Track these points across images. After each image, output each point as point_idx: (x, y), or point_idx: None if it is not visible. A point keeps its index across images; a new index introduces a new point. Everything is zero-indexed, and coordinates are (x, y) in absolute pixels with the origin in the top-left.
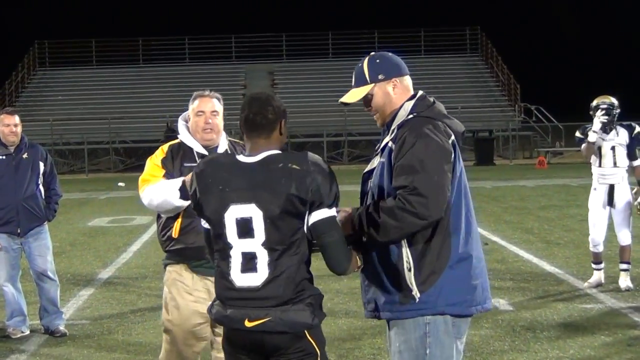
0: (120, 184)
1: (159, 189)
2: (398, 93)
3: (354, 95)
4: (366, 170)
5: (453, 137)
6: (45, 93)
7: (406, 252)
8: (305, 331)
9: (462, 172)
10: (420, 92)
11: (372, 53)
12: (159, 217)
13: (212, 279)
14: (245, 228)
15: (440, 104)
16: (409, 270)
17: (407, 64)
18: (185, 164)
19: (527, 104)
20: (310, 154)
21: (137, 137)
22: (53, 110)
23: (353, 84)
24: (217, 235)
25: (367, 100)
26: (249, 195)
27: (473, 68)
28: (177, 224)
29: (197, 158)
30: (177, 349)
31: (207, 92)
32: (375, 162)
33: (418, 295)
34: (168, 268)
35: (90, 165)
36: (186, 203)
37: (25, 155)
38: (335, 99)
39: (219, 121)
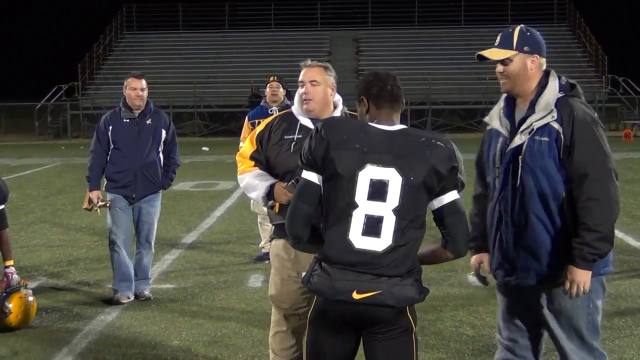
0: (204, 148)
1: (251, 184)
2: (534, 69)
3: (496, 54)
4: (510, 147)
5: None
6: (132, 56)
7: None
8: (407, 307)
9: None
10: (552, 70)
11: (523, 25)
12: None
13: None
14: (379, 190)
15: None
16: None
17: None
18: (286, 137)
19: (615, 75)
20: (446, 136)
21: (221, 102)
22: None
23: (496, 43)
24: (342, 193)
25: (504, 63)
26: (390, 159)
27: (560, 38)
28: None
29: (298, 130)
30: (284, 321)
31: (309, 62)
32: (519, 140)
33: None
34: (273, 242)
35: (175, 129)
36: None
37: (148, 121)
38: (420, 67)
39: (320, 91)
